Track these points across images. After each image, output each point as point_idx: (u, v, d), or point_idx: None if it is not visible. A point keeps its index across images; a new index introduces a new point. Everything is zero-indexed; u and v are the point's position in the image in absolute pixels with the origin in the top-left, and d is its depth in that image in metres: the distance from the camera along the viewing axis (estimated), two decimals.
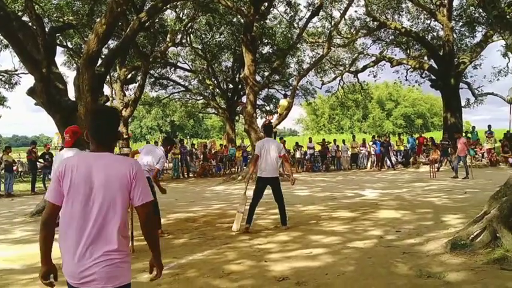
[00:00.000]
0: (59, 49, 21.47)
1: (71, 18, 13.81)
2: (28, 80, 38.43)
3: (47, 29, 12.54)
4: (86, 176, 2.38)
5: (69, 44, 22.53)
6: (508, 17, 9.03)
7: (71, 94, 12.43)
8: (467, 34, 25.20)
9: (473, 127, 25.92)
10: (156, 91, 32.20)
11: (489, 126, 23.55)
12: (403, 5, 25.34)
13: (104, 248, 2.34)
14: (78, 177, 2.38)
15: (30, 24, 11.63)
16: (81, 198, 2.36)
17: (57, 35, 16.53)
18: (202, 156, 23.56)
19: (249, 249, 6.30)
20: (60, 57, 64.52)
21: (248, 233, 7.35)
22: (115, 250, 2.35)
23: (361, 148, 24.81)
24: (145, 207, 2.45)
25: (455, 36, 24.03)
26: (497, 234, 5.10)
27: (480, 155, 22.10)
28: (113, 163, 2.44)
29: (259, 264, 5.45)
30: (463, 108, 24.95)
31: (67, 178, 2.39)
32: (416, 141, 25.00)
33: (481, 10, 20.77)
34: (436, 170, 18.06)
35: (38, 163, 18.09)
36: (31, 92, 10.99)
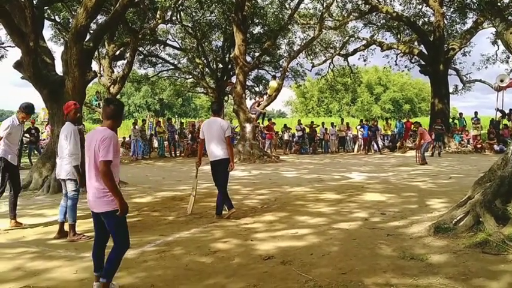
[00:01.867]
0: (47, 23, 21.09)
1: None
2: (15, 53, 37.73)
3: (35, 2, 12.27)
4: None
5: (57, 17, 22.08)
6: (499, 4, 9.05)
7: (59, 69, 12.26)
8: (458, 20, 25.19)
9: (461, 113, 26.16)
10: (144, 68, 31.83)
11: (475, 113, 23.81)
12: None
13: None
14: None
15: None
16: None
17: (45, 8, 16.19)
18: (190, 135, 23.49)
19: (236, 228, 6.35)
20: (47, 31, 63.50)
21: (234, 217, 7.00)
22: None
23: (347, 131, 24.97)
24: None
25: (446, 22, 24.05)
26: (480, 219, 5.19)
27: (466, 141, 22.36)
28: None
29: (246, 243, 5.50)
30: (450, 95, 25.12)
31: None
32: (404, 126, 25.19)
33: None
34: (431, 154, 18.35)
35: (23, 138, 17.89)
36: (18, 66, 10.80)
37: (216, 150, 6.89)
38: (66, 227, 5.95)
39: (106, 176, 3.62)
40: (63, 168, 5.89)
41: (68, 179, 5.90)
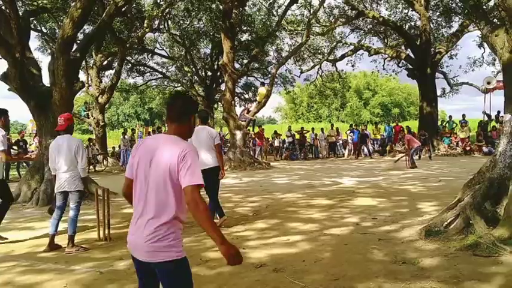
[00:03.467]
0: (33, 34, 20.98)
1: (45, 1, 13.43)
2: (1, 65, 37.49)
3: (20, 13, 12.20)
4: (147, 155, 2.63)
5: (43, 28, 21.99)
6: (484, 7, 9.15)
7: (46, 80, 12.18)
8: (443, 24, 25.47)
9: (450, 116, 26.33)
10: (133, 78, 31.81)
11: (463, 115, 24.00)
12: None
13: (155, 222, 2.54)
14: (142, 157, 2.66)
15: (3, 7, 11.30)
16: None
17: (32, 19, 16.12)
18: None
19: (227, 236, 6.22)
20: (34, 42, 63.08)
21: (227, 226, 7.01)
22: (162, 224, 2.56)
23: (337, 137, 25.06)
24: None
25: (432, 26, 24.27)
26: (470, 221, 5.21)
27: (455, 143, 22.53)
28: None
29: None
30: (438, 98, 25.32)
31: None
32: (393, 130, 25.34)
33: (457, 0, 21.00)
34: (418, 158, 18.53)
35: (12, 150, 17.72)
36: (4, 78, 10.70)
37: (206, 159, 6.78)
38: (57, 240, 5.89)
39: (199, 207, 2.45)
40: (69, 180, 5.81)
41: (75, 191, 5.85)
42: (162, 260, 2.51)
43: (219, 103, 29.76)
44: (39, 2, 13.26)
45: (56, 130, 6.25)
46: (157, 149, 2.55)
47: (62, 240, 6.01)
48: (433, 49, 23.98)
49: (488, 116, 24.10)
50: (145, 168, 2.56)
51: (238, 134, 18.68)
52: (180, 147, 2.50)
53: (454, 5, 22.18)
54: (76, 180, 5.86)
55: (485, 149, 20.94)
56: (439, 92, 26.40)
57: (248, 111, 20.39)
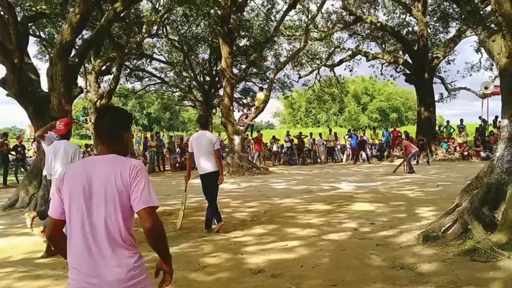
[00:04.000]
0: (32, 39, 20.96)
1: (44, 7, 13.44)
2: None
3: (19, 18, 12.21)
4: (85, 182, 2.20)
5: (42, 34, 21.99)
6: (481, 12, 9.19)
7: (44, 86, 12.18)
8: (441, 29, 25.57)
9: (448, 121, 26.36)
10: (131, 83, 31.81)
11: (461, 120, 24.07)
12: (379, 0, 25.60)
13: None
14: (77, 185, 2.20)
15: (1, 13, 11.32)
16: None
17: (30, 24, 16.11)
18: (179, 149, 23.39)
19: (225, 242, 6.31)
20: (32, 48, 63.13)
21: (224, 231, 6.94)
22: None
23: (336, 142, 25.08)
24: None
25: (429, 31, 24.35)
26: (468, 226, 5.22)
27: (452, 148, 22.57)
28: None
29: (236, 257, 5.46)
30: (436, 103, 25.38)
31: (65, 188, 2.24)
32: (391, 135, 25.37)
33: (455, 6, 21.08)
34: (416, 163, 18.57)
35: (10, 156, 17.70)
36: (2, 83, 10.71)
37: (205, 164, 6.84)
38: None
39: (161, 231, 2.30)
40: None
41: None
42: None
43: (217, 108, 29.80)
44: (38, 7, 13.28)
45: (56, 134, 6.26)
46: (96, 174, 2.19)
47: None
48: (430, 54, 24.06)
49: (484, 121, 24.19)
50: (84, 201, 2.16)
51: (237, 139, 18.69)
52: (127, 166, 2.20)
53: (451, 11, 22.29)
54: None
55: (483, 154, 20.97)
56: (436, 97, 26.50)
57: (246, 117, 20.41)
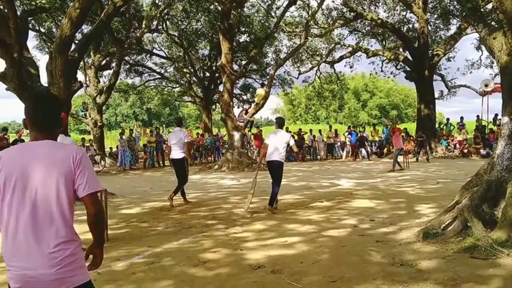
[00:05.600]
0: (31, 33, 20.94)
1: (43, 1, 13.41)
2: None
3: (18, 12, 12.17)
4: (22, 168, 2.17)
5: (41, 28, 21.96)
6: (482, 10, 9.17)
7: (44, 80, 12.16)
8: (441, 26, 25.52)
9: (448, 119, 26.34)
10: (131, 78, 31.75)
11: (461, 118, 24.03)
12: None
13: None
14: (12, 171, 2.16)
15: (1, 7, 11.28)
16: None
17: (30, 18, 16.08)
18: None
19: (225, 237, 6.31)
20: (32, 42, 62.96)
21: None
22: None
23: (335, 139, 25.06)
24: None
25: (430, 28, 24.30)
26: (468, 224, 5.22)
27: (452, 146, 22.57)
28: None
29: (235, 252, 5.46)
30: (436, 100, 25.35)
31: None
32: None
33: (455, 3, 21.05)
34: (415, 160, 18.54)
35: None
36: (2, 77, 10.69)
37: (275, 155, 8.37)
38: None
39: (103, 215, 2.40)
40: None
41: None
42: (77, 284, 2.19)
43: (217, 104, 29.77)
44: (38, 1, 13.23)
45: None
46: (35, 160, 2.17)
47: None
48: (431, 51, 24.02)
49: (479, 119, 24.23)
50: (21, 186, 2.14)
51: (236, 135, 18.69)
52: (69, 151, 2.22)
53: (452, 8, 22.26)
54: None
55: (482, 151, 20.96)
56: (436, 94, 26.42)
57: (246, 112, 20.39)
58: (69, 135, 11.80)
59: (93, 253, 2.37)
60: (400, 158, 16.62)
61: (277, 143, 8.42)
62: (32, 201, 2.13)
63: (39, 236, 2.13)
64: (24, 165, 2.17)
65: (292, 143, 8.64)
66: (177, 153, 9.34)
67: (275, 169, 8.47)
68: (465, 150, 21.81)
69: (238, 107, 29.93)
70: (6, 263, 2.17)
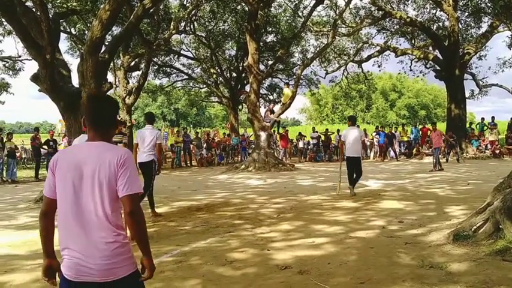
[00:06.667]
0: (63, 35, 21.41)
1: (74, 4, 13.70)
2: (32, 66, 38.30)
3: (50, 15, 12.48)
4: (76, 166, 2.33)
5: (72, 30, 22.45)
6: None
7: (75, 81, 12.44)
8: (472, 24, 25.02)
9: (482, 118, 25.59)
10: (159, 79, 32.18)
11: (493, 117, 23.47)
12: None
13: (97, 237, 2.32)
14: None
15: (34, 9, 11.58)
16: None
17: (61, 20, 16.45)
18: (205, 145, 23.58)
19: (252, 237, 6.32)
20: (63, 44, 64.38)
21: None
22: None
23: (365, 139, 24.80)
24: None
25: (460, 26, 23.85)
26: (500, 226, 5.10)
27: (483, 146, 22.07)
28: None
29: (262, 252, 5.47)
30: (467, 100, 24.83)
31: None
32: (420, 132, 24.97)
33: (487, 0, 20.60)
34: (445, 161, 18.23)
35: (41, 150, 18.14)
36: (35, 78, 10.98)
37: (355, 151, 10.37)
38: None
39: (141, 218, 2.36)
40: None
41: None
42: (125, 274, 2.30)
43: (243, 104, 29.88)
44: (69, 4, 13.54)
45: (82, 130, 6.40)
46: (88, 159, 2.32)
47: None
48: (461, 50, 23.57)
49: None
50: (74, 184, 2.30)
51: (263, 135, 18.71)
52: (116, 153, 2.34)
53: (483, 5, 21.78)
54: None
55: None
56: (467, 94, 25.88)
57: (272, 112, 20.37)
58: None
59: (142, 264, 2.43)
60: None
61: (357, 140, 10.30)
62: (84, 197, 2.30)
63: (90, 229, 2.29)
64: (79, 164, 2.33)
65: (363, 138, 10.84)
66: (146, 156, 8.24)
67: (357, 164, 10.39)
68: (497, 151, 21.28)
69: (264, 107, 30.03)
70: (61, 252, 2.34)
